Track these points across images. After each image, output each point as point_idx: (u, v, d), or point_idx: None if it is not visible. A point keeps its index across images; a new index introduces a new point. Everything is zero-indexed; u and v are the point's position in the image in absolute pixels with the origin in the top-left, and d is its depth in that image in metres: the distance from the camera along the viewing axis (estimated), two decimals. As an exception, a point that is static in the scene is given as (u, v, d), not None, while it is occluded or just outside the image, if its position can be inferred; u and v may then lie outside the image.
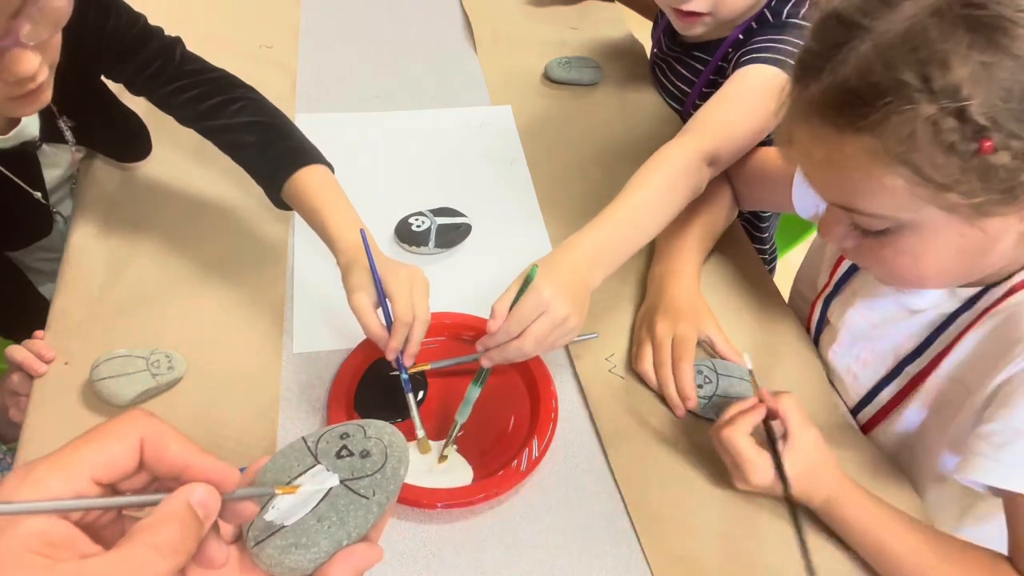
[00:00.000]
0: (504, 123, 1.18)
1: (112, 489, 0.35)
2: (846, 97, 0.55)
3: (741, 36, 1.02)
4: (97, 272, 0.90)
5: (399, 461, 0.42)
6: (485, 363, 0.73)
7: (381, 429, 0.44)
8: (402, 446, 0.43)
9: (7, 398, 0.81)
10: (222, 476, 0.36)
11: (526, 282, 0.71)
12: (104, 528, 0.36)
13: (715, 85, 0.99)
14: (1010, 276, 0.65)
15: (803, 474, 0.67)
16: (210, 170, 1.04)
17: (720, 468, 0.75)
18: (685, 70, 1.17)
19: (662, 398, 0.81)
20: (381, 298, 0.74)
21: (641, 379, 0.83)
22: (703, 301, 0.87)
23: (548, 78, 1.27)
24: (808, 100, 0.58)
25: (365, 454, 0.42)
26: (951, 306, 0.71)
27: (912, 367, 0.75)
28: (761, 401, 0.70)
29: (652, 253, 0.95)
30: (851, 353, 0.82)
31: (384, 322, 0.74)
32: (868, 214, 0.60)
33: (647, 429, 0.78)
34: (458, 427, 0.74)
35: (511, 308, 0.70)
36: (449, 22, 1.42)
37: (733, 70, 0.96)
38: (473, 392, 0.74)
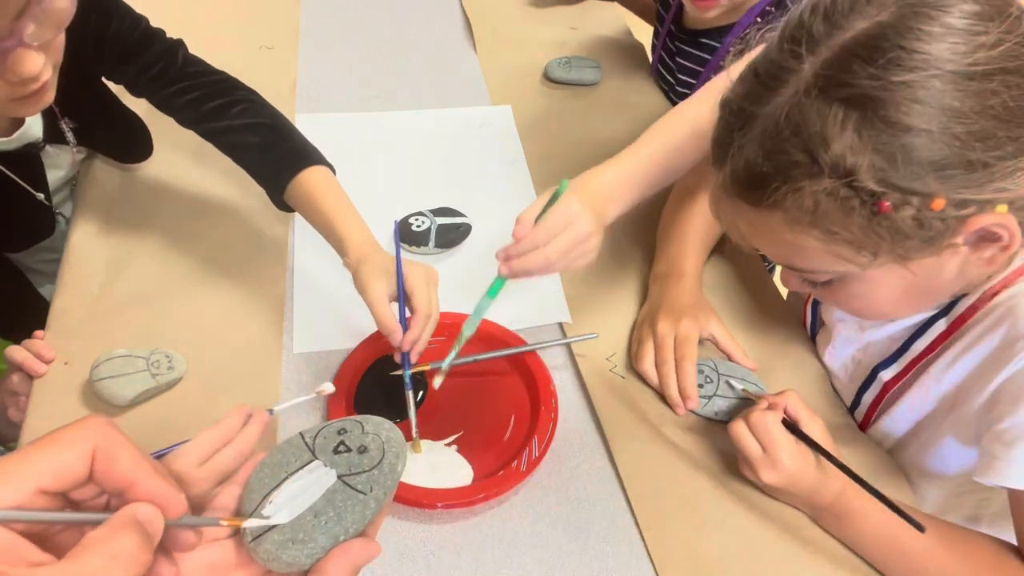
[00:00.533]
0: (504, 123, 1.18)
1: (64, 497, 0.34)
2: (749, 180, 0.58)
3: (759, 19, 1.02)
4: (97, 272, 0.90)
5: (396, 456, 0.42)
6: (504, 271, 0.72)
7: (379, 425, 0.44)
8: (400, 442, 0.43)
9: (6, 398, 0.81)
10: (167, 501, 0.35)
11: (554, 196, 0.71)
12: (57, 534, 0.35)
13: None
14: (979, 284, 0.65)
15: (815, 467, 0.68)
16: (210, 170, 1.04)
17: (724, 466, 0.75)
18: (689, 61, 1.18)
19: (663, 397, 0.81)
20: (400, 292, 0.75)
21: (642, 379, 0.83)
22: (705, 300, 0.87)
23: (548, 78, 1.27)
24: (722, 181, 0.61)
25: (363, 450, 0.42)
26: (926, 312, 0.71)
27: (886, 372, 0.76)
28: (769, 406, 0.71)
29: (654, 254, 0.95)
30: (845, 353, 0.82)
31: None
32: (808, 271, 0.62)
33: (650, 428, 0.78)
34: (464, 339, 0.73)
35: (537, 220, 0.70)
36: (449, 22, 1.42)
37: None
38: (484, 304, 0.73)
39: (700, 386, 0.79)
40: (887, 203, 0.52)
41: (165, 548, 0.36)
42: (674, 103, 1.22)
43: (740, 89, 0.59)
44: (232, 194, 1.01)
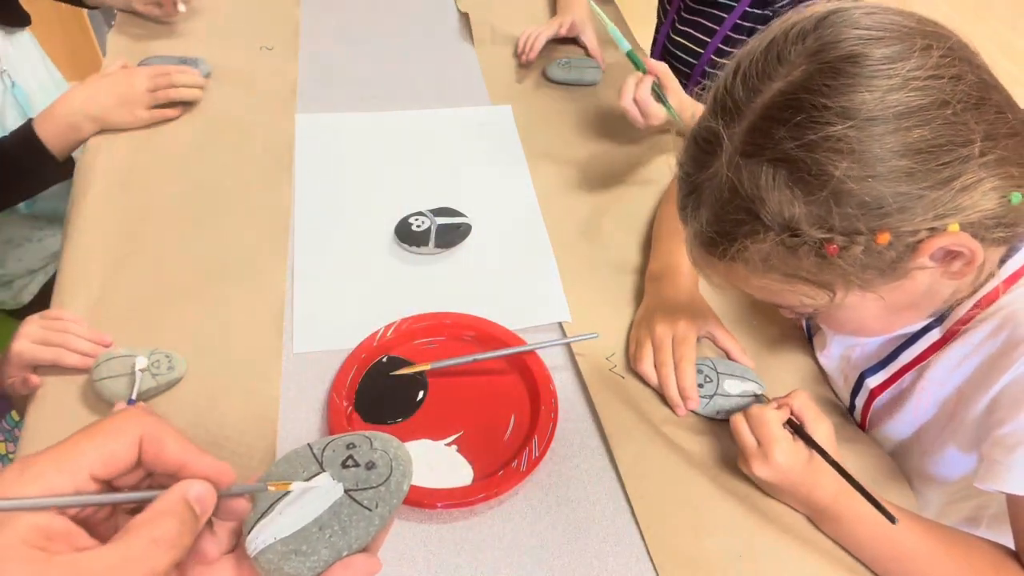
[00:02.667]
0: (504, 123, 1.18)
1: (109, 485, 0.36)
2: (708, 240, 0.62)
3: None
4: (97, 272, 0.90)
5: (403, 475, 0.42)
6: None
7: (388, 442, 0.44)
8: (407, 460, 0.43)
9: (14, 370, 0.79)
10: (218, 474, 0.37)
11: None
12: (100, 524, 0.37)
13: (732, 44, 1.08)
14: (975, 291, 0.65)
15: (817, 466, 0.68)
16: (211, 170, 1.04)
17: (724, 466, 0.75)
18: (699, 32, 1.25)
19: (663, 397, 0.81)
20: None
21: (642, 379, 0.83)
22: (702, 299, 0.87)
23: (548, 78, 1.27)
24: (689, 239, 0.65)
25: (371, 466, 0.42)
26: (922, 323, 0.71)
27: (872, 380, 0.76)
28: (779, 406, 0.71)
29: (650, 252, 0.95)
30: (838, 356, 0.82)
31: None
32: (787, 307, 0.65)
33: (650, 428, 0.78)
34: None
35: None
36: (449, 22, 1.42)
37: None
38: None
39: (700, 386, 0.79)
40: (833, 246, 0.55)
41: (211, 527, 0.39)
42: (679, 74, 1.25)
43: (685, 156, 0.63)
44: (232, 194, 1.01)
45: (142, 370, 0.76)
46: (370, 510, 0.41)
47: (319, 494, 0.41)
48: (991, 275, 0.63)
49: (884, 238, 0.54)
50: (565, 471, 0.75)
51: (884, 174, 0.53)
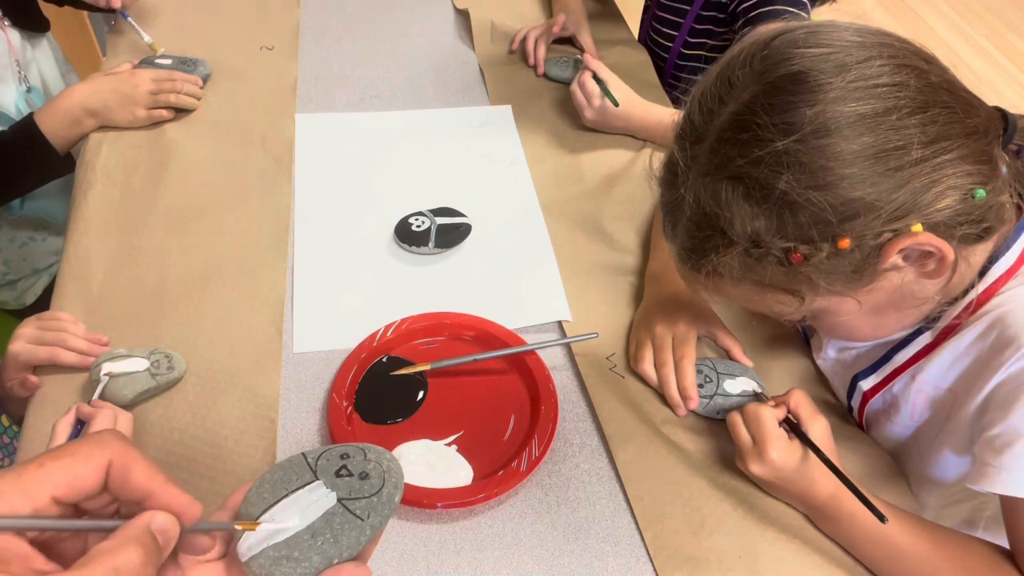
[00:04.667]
0: (504, 123, 1.18)
1: (75, 508, 0.35)
2: (688, 257, 0.65)
3: None
4: (97, 272, 0.90)
5: (395, 487, 0.43)
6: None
7: (380, 454, 0.44)
8: (399, 473, 0.44)
9: (13, 372, 0.79)
10: (183, 507, 0.36)
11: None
12: (62, 542, 0.36)
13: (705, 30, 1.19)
14: (966, 292, 0.65)
15: (812, 464, 0.68)
16: (210, 170, 1.04)
17: (724, 466, 0.75)
18: (667, 27, 1.30)
19: (663, 397, 0.81)
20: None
21: (642, 379, 0.83)
22: (702, 299, 0.87)
23: (548, 78, 1.27)
24: (674, 255, 0.68)
25: (364, 476, 0.42)
26: (915, 325, 0.71)
27: (865, 382, 0.76)
28: (776, 405, 0.72)
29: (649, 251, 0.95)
30: (834, 358, 0.82)
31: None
32: (774, 314, 0.67)
33: (650, 428, 0.78)
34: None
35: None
36: (449, 22, 1.42)
37: (737, 21, 1.13)
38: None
39: (700, 386, 0.79)
40: (797, 254, 0.58)
41: (175, 556, 0.38)
42: (658, 61, 1.33)
43: (660, 182, 0.67)
44: (232, 194, 1.01)
45: (142, 370, 0.76)
46: (362, 519, 0.41)
47: (312, 501, 0.41)
48: (975, 276, 0.64)
49: (845, 243, 0.56)
50: (565, 471, 0.75)
51: (835, 183, 0.55)
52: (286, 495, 0.41)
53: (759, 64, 0.58)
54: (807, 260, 0.58)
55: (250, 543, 0.39)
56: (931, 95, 0.56)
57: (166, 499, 0.36)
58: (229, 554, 0.40)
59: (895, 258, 0.57)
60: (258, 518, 0.40)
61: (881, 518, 0.61)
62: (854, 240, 0.56)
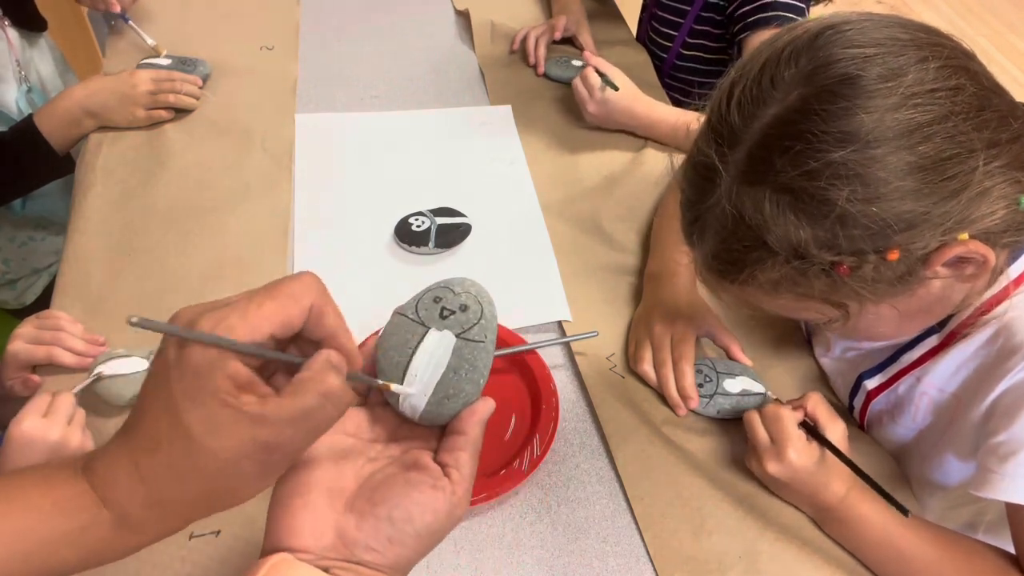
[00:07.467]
0: (504, 123, 1.18)
1: (276, 342, 0.38)
2: (718, 266, 0.61)
3: None
4: (97, 272, 0.90)
5: (490, 303, 0.48)
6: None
7: (463, 283, 0.49)
8: (484, 290, 0.48)
9: (12, 372, 0.79)
10: (353, 354, 0.40)
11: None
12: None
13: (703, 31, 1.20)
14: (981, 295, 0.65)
15: (827, 467, 0.68)
16: (210, 170, 1.04)
17: (725, 466, 0.75)
18: (666, 27, 1.29)
19: (663, 397, 0.81)
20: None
21: (642, 379, 0.83)
22: (701, 298, 0.87)
23: (548, 78, 1.27)
24: (698, 262, 0.64)
25: (464, 308, 0.47)
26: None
27: (870, 382, 0.76)
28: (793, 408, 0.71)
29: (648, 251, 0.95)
30: (839, 357, 0.82)
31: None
32: (803, 320, 0.64)
33: (650, 428, 0.78)
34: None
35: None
36: (449, 22, 1.42)
37: (734, 25, 1.13)
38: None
39: (700, 385, 0.79)
40: (844, 267, 0.55)
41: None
42: (656, 61, 1.33)
43: (685, 181, 0.62)
44: (232, 194, 1.01)
45: (142, 370, 0.76)
46: (483, 342, 0.46)
47: (437, 347, 0.45)
48: (996, 278, 0.63)
49: (894, 255, 0.54)
50: (565, 471, 0.75)
51: (889, 194, 0.52)
52: (413, 353, 0.45)
53: (807, 64, 0.54)
54: (854, 273, 0.55)
55: (411, 403, 0.44)
56: (984, 99, 0.54)
57: (343, 344, 0.39)
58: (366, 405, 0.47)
59: (937, 267, 0.56)
60: (403, 380, 0.44)
61: (904, 512, 0.61)
62: (902, 252, 0.54)
